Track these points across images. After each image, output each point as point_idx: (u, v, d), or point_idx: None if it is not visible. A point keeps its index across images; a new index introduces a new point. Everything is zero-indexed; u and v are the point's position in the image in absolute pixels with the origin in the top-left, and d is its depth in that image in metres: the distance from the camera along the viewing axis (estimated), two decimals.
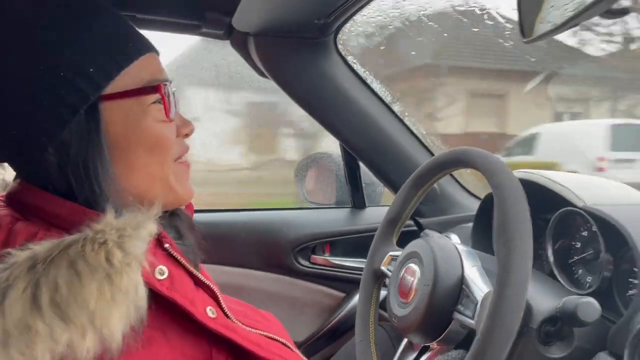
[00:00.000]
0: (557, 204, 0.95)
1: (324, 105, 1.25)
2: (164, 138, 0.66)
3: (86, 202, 0.62)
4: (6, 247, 0.55)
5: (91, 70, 0.60)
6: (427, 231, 1.23)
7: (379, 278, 0.95)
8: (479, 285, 0.74)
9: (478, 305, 0.71)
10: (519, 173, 1.02)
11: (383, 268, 0.93)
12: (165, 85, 0.66)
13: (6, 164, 0.68)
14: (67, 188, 0.62)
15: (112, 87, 0.62)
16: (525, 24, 0.57)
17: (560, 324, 0.76)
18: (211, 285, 0.68)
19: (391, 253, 0.93)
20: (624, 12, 0.47)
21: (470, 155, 0.77)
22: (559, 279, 0.96)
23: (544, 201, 0.96)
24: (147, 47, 0.67)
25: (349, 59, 1.23)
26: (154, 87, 0.65)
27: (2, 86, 0.60)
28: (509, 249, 0.65)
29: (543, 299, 0.79)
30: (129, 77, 0.64)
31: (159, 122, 0.66)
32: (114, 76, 0.62)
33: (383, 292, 0.97)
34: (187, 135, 0.72)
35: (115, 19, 0.66)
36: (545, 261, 1.00)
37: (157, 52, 0.69)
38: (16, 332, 0.49)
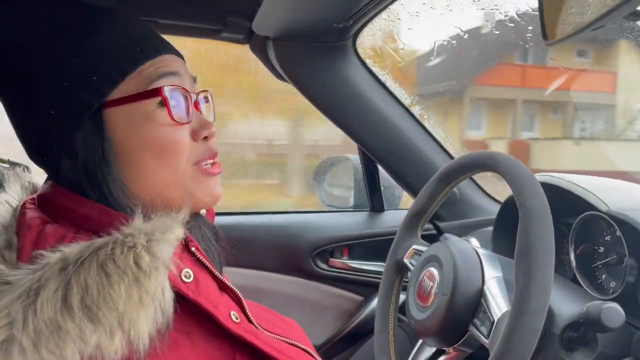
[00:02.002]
0: (579, 208, 0.94)
1: (343, 108, 1.25)
2: (171, 143, 0.63)
3: (106, 205, 0.62)
4: (36, 249, 0.56)
5: (94, 78, 0.60)
6: (446, 235, 1.22)
7: (401, 270, 0.94)
8: (498, 302, 0.73)
9: (494, 325, 0.70)
10: (541, 177, 1.01)
11: (406, 261, 0.92)
12: (173, 86, 0.64)
13: (34, 167, 0.70)
14: (85, 193, 0.63)
15: (117, 93, 0.62)
16: (548, 27, 0.57)
17: (584, 330, 0.75)
18: (235, 290, 0.68)
19: (415, 247, 0.92)
20: None
21: (497, 160, 0.76)
22: (582, 284, 0.94)
23: (565, 205, 0.95)
24: (158, 50, 0.65)
25: (368, 62, 1.23)
26: (155, 90, 0.62)
27: (22, 97, 0.62)
28: (529, 277, 0.64)
29: (566, 304, 0.78)
30: (135, 81, 0.62)
31: (166, 126, 0.63)
32: (118, 83, 0.62)
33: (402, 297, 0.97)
34: (207, 139, 0.68)
35: (125, 23, 0.64)
36: (567, 266, 0.99)
37: (176, 54, 0.68)
38: (47, 331, 0.50)
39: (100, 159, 0.62)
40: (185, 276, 0.61)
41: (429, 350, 0.92)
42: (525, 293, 0.63)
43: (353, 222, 1.46)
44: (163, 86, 0.63)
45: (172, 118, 0.63)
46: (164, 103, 0.63)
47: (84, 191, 0.62)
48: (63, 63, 0.60)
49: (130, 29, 0.64)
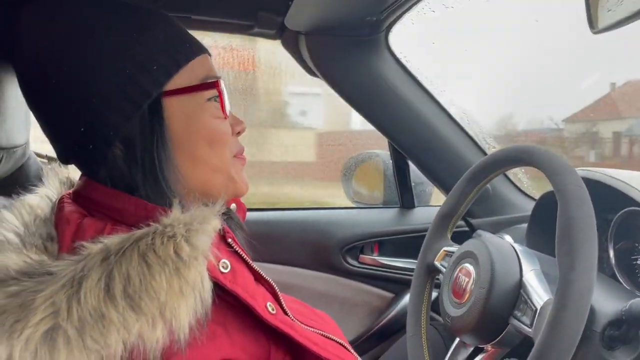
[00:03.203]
0: (619, 204, 0.92)
1: (374, 103, 1.25)
2: (221, 133, 0.68)
3: (149, 196, 0.63)
4: (76, 240, 0.57)
5: (154, 68, 0.63)
6: (479, 231, 1.21)
7: (432, 273, 0.94)
8: (538, 292, 0.72)
9: (537, 314, 0.69)
10: (581, 171, 0.99)
11: (436, 263, 0.91)
12: (221, 82, 0.69)
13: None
14: (131, 183, 0.64)
15: (172, 84, 0.65)
16: (594, 14, 0.55)
17: (626, 328, 0.73)
18: (271, 282, 0.69)
19: (445, 248, 0.91)
20: None
21: (532, 153, 0.75)
22: (621, 280, 0.92)
23: (605, 200, 0.92)
24: (200, 49, 0.70)
25: (400, 56, 1.22)
26: (212, 84, 0.68)
27: (75, 84, 0.62)
28: (572, 259, 0.62)
29: (606, 301, 0.76)
30: (187, 75, 0.66)
31: (216, 118, 0.68)
32: (173, 74, 0.65)
33: (434, 294, 0.95)
34: (239, 134, 0.74)
35: (172, 23, 0.69)
36: (606, 263, 0.97)
37: (209, 54, 0.72)
38: (91, 320, 0.51)
39: (160, 144, 0.64)
40: (223, 267, 0.62)
41: (466, 351, 0.90)
42: (569, 275, 0.62)
43: (383, 219, 1.45)
44: (217, 81, 0.68)
45: (224, 111, 0.69)
46: (215, 97, 0.68)
47: (124, 183, 0.64)
48: (124, 51, 0.62)
49: (177, 29, 0.69)
